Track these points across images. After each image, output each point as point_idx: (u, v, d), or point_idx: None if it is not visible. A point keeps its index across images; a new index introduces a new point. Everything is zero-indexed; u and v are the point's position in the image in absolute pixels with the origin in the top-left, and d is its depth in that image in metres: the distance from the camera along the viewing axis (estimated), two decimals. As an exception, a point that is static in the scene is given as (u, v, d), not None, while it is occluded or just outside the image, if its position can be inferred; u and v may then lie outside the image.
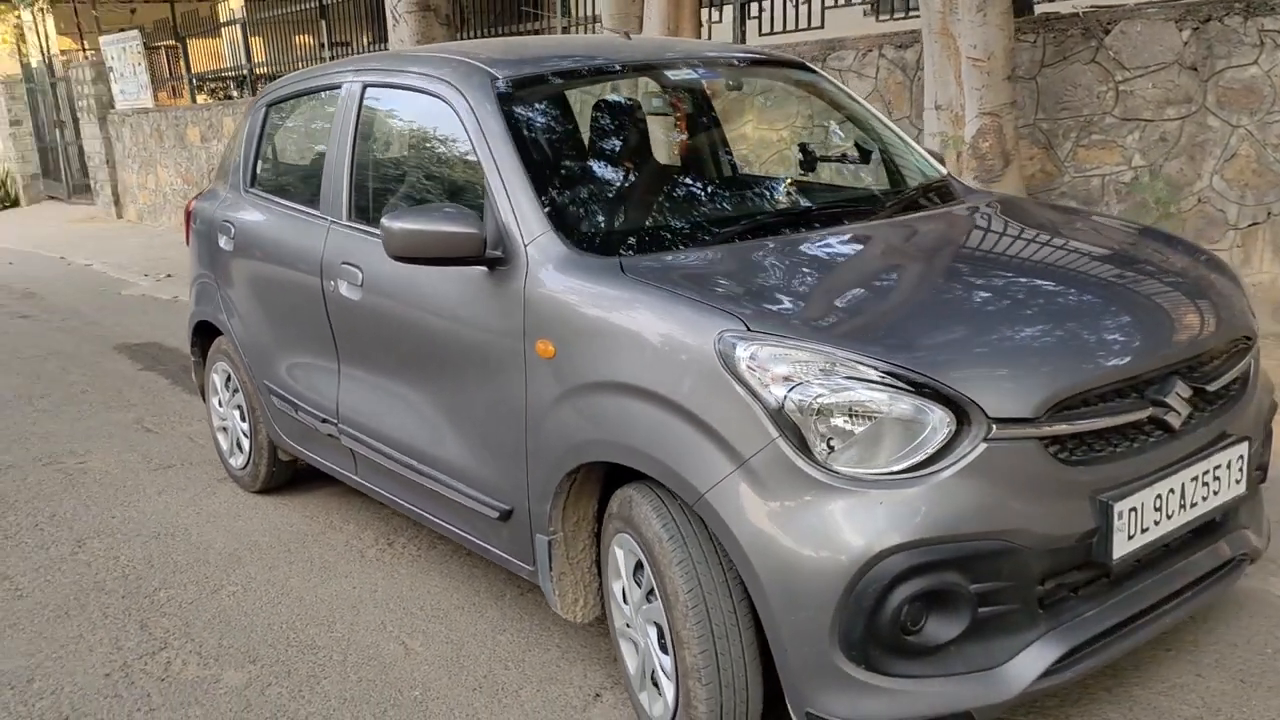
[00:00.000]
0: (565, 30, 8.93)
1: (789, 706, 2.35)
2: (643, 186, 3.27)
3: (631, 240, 2.90)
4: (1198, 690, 2.83)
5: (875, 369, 2.24)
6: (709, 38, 7.60)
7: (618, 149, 3.44)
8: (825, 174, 3.77)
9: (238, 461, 4.64)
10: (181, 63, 14.89)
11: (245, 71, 14.05)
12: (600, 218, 3.05)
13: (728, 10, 7.42)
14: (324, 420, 3.79)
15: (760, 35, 7.30)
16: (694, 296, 2.48)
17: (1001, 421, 2.23)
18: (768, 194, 3.54)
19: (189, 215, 4.72)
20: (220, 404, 4.70)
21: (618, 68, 3.44)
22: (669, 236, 2.93)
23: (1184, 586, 2.61)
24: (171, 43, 14.87)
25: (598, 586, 2.96)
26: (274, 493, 4.59)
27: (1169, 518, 2.47)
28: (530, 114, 3.17)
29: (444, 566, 3.83)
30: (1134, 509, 2.38)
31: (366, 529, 4.19)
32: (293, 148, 4.23)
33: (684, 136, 3.70)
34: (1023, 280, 2.73)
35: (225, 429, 4.70)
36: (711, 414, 2.34)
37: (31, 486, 4.93)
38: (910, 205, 3.29)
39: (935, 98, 5.44)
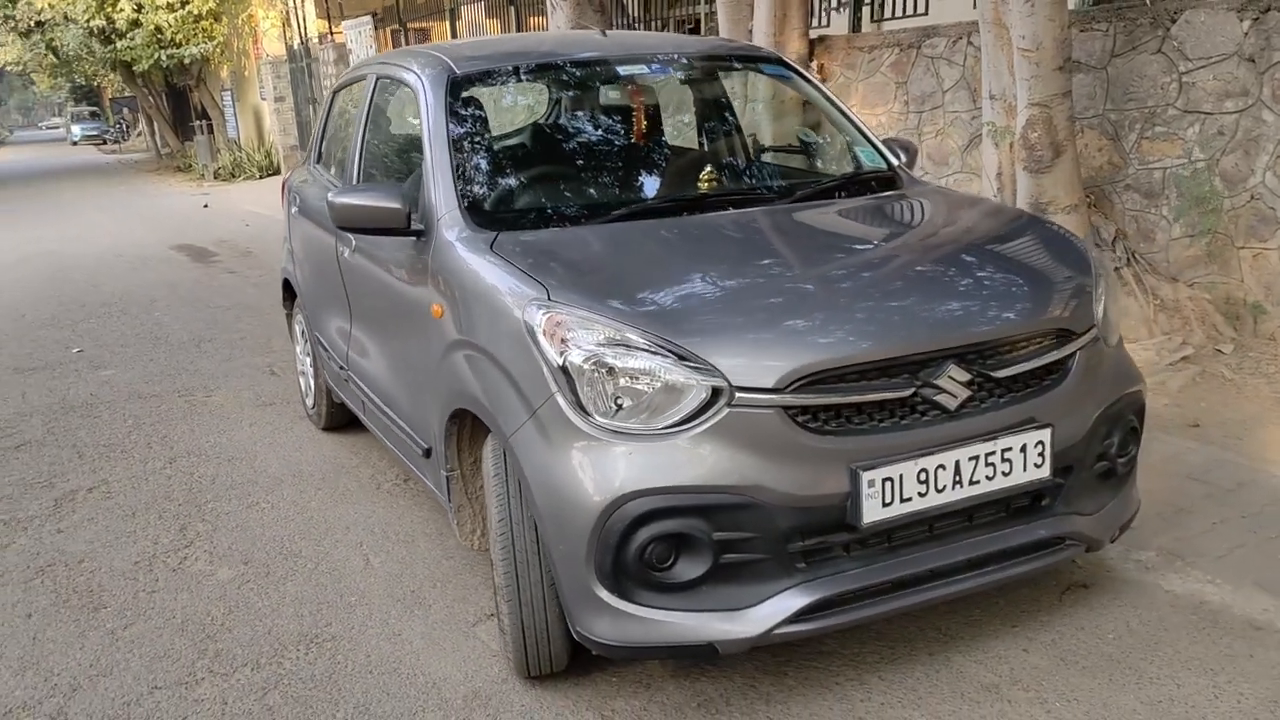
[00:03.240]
0: (708, 16, 9.25)
1: (569, 627, 2.72)
2: (553, 172, 3.63)
3: (520, 220, 3.29)
4: (1013, 663, 2.96)
5: (644, 339, 2.56)
6: (826, 25, 7.75)
7: (545, 138, 3.81)
8: (782, 162, 4.00)
9: (310, 402, 5.33)
10: (408, 46, 16.13)
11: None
12: (502, 199, 3.45)
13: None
14: (341, 367, 4.39)
15: (872, 21, 7.40)
16: (522, 269, 2.87)
17: (744, 390, 2.50)
18: (678, 181, 3.80)
19: (283, 188, 5.44)
20: (299, 351, 5.40)
21: (572, 64, 3.82)
22: (552, 217, 3.30)
23: (978, 559, 2.77)
24: (395, 26, 16.13)
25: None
26: (336, 431, 5.26)
27: (939, 491, 2.64)
28: (472, 104, 3.60)
29: (437, 501, 4.34)
30: (889, 479, 2.58)
31: (394, 466, 4.77)
32: (340, 129, 4.84)
33: (636, 128, 4.02)
34: (821, 266, 2.96)
35: (303, 373, 5.40)
36: (518, 370, 2.73)
37: (161, 413, 5.83)
38: (809, 196, 3.50)
39: (990, 87, 5.46)
